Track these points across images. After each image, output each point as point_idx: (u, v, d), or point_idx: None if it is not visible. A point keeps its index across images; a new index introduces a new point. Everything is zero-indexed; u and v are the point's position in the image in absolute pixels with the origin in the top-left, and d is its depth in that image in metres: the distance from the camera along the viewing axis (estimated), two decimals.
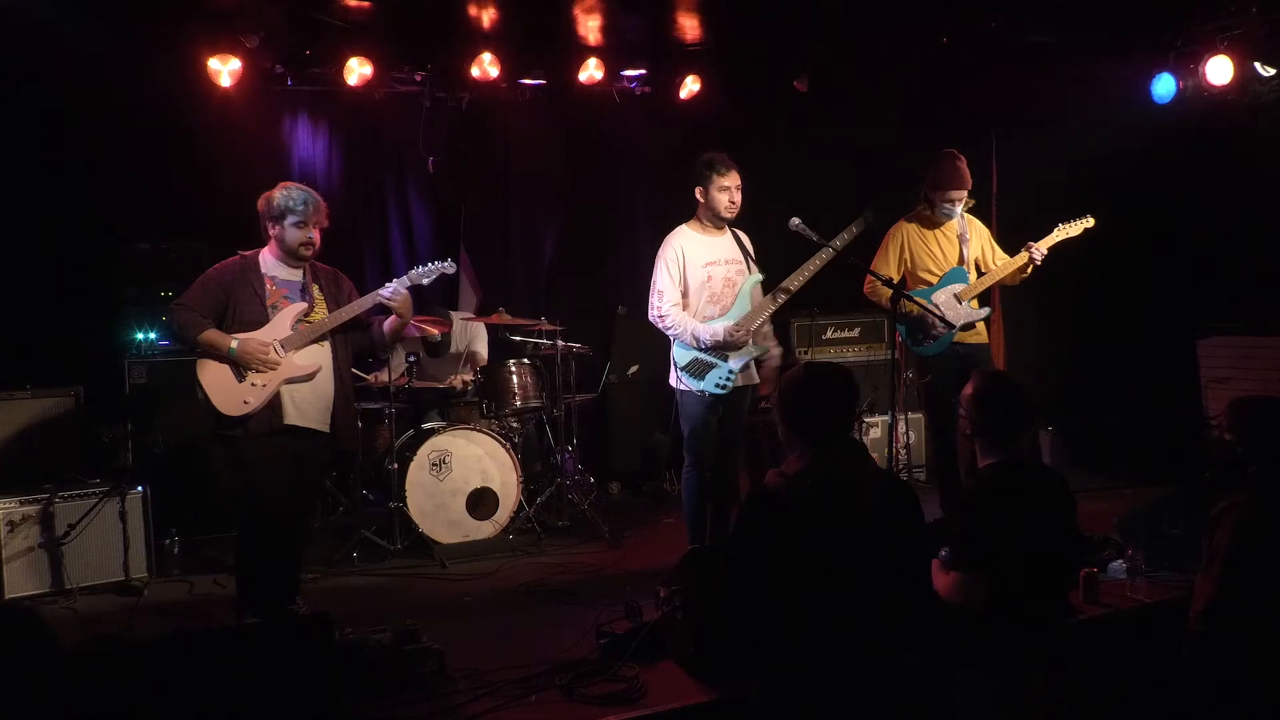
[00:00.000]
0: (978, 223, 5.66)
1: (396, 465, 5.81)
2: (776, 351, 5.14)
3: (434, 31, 6.71)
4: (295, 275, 4.53)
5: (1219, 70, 6.41)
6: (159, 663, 3.04)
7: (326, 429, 4.51)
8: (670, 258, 4.98)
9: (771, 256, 5.29)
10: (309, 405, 4.45)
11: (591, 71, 7.08)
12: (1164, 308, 7.11)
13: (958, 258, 5.51)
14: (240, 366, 4.34)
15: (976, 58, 6.71)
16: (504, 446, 6.05)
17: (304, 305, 4.49)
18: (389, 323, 4.62)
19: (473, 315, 6.91)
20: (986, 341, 5.66)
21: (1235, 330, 6.80)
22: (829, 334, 7.13)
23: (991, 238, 5.69)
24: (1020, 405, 3.33)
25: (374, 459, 6.30)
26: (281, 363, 4.38)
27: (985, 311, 5.54)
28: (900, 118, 7.17)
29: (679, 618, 3.86)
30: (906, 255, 5.51)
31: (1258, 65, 6.38)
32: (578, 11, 6.53)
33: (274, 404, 4.37)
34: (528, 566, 5.53)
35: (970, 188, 5.47)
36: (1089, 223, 5.49)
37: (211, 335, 4.36)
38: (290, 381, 4.40)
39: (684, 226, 5.06)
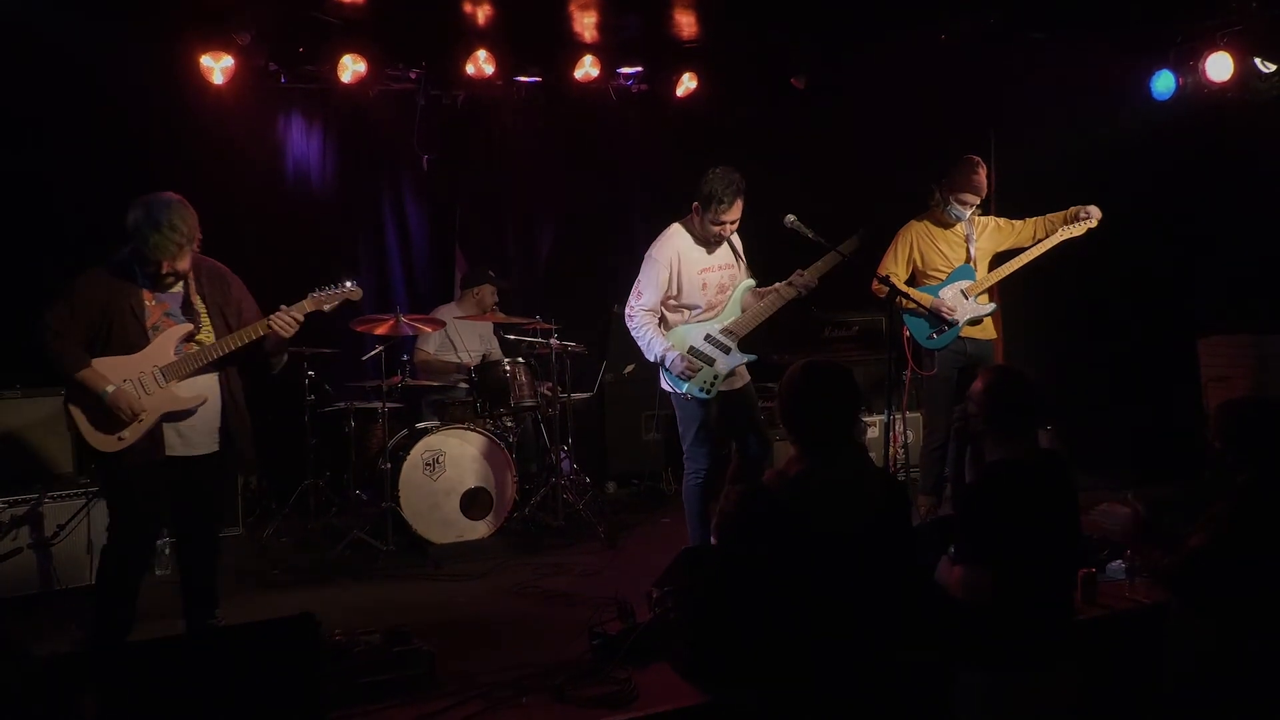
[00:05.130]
0: (981, 220, 5.74)
1: (390, 465, 5.77)
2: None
3: (428, 29, 6.67)
4: (176, 288, 4.09)
5: (1219, 67, 6.37)
6: (146, 665, 3.01)
7: (218, 449, 4.18)
8: (664, 261, 4.83)
9: (765, 254, 5.26)
10: (195, 434, 4.09)
11: (587, 69, 7.04)
12: (1164, 306, 7.07)
13: (964, 256, 5.63)
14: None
15: (975, 55, 6.68)
16: (499, 446, 6.01)
17: (189, 326, 4.05)
18: (270, 341, 4.15)
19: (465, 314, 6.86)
20: (994, 338, 5.81)
21: (1236, 329, 6.76)
22: (826, 333, 7.09)
23: (998, 221, 5.75)
24: (1032, 402, 3.26)
25: (367, 458, 6.26)
26: (159, 394, 3.96)
27: (991, 306, 5.68)
28: (897, 115, 7.13)
29: (672, 619, 3.83)
30: (916, 254, 5.64)
31: (1257, 61, 6.34)
32: (574, 8, 6.49)
33: (154, 436, 3.98)
34: (522, 567, 5.48)
35: (984, 196, 5.58)
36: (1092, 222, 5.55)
37: (87, 375, 3.90)
38: (171, 417, 4.01)
39: (679, 226, 4.92)
